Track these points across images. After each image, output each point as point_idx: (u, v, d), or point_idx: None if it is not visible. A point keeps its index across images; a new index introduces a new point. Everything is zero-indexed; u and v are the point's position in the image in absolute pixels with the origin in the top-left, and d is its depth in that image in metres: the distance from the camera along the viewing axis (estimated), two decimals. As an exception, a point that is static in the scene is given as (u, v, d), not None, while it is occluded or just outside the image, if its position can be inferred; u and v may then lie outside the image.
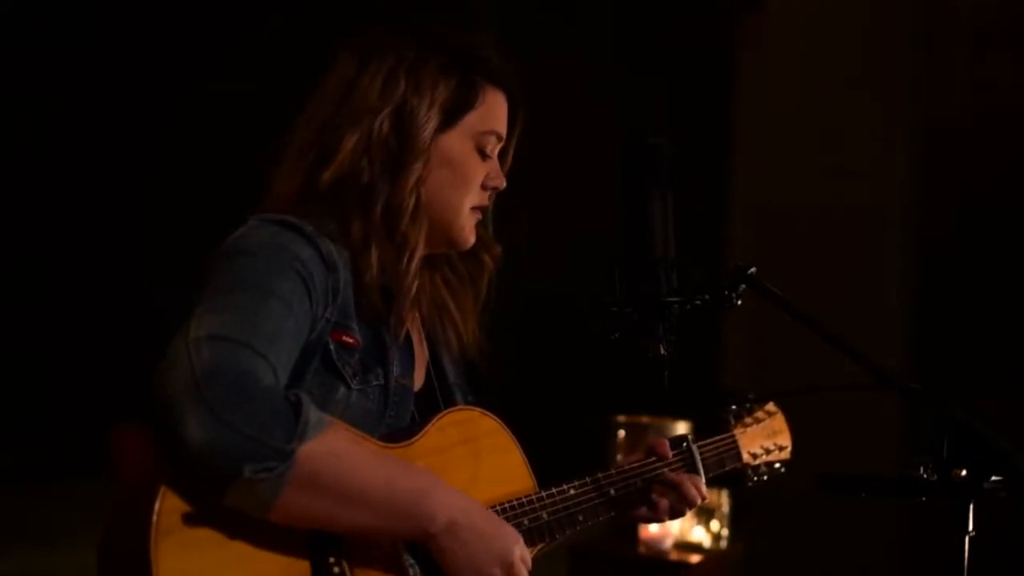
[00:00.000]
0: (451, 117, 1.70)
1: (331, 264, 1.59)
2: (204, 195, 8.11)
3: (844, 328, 1.57)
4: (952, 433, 1.46)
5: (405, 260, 1.66)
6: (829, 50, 4.94)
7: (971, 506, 1.45)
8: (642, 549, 3.84)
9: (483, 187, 1.75)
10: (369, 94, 1.67)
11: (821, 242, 4.84)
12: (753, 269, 1.68)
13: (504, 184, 1.78)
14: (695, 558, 3.84)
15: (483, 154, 1.73)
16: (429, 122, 1.67)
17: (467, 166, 1.72)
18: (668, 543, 3.85)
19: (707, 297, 1.69)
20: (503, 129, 1.76)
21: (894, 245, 4.85)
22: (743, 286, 1.68)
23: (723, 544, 3.94)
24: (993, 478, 1.44)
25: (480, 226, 1.81)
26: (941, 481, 1.46)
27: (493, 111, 1.74)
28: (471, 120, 1.71)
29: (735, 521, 4.00)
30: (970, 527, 1.45)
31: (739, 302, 1.69)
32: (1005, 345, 4.63)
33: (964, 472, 1.45)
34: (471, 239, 1.76)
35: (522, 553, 1.59)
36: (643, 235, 1.63)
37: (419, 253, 1.68)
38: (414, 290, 1.68)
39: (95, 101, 8.51)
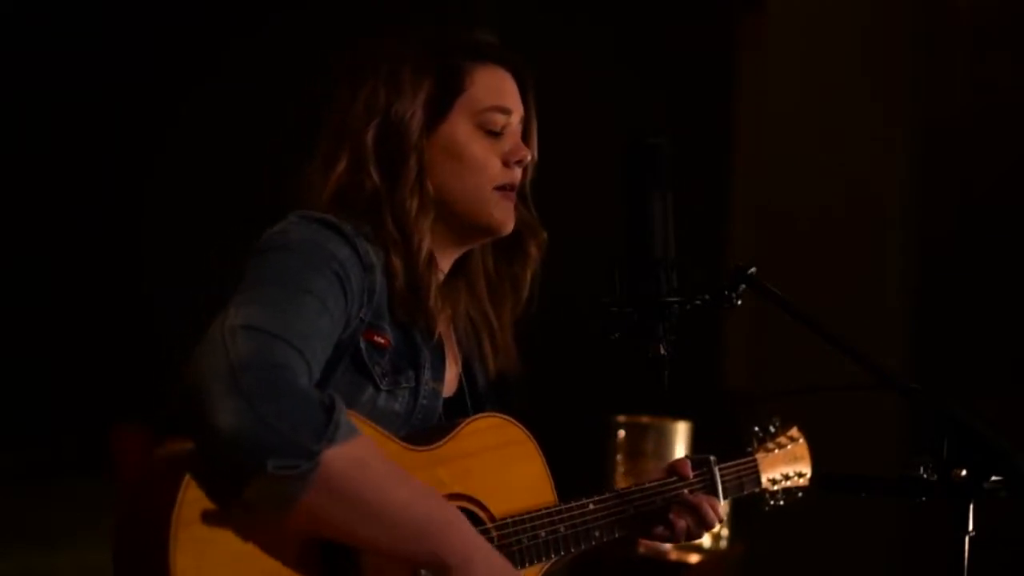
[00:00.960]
0: (439, 108, 1.70)
1: (368, 264, 1.59)
2: (204, 195, 8.11)
3: (844, 328, 1.57)
4: (952, 433, 1.46)
5: (414, 255, 1.66)
6: (829, 50, 4.93)
7: (971, 506, 1.44)
8: (642, 549, 3.84)
9: (507, 164, 1.72)
10: (356, 114, 1.69)
11: (821, 242, 4.84)
12: (753, 269, 1.68)
13: (529, 155, 1.75)
14: (695, 558, 3.84)
15: (491, 133, 1.72)
16: (414, 120, 1.68)
17: (473, 150, 1.70)
18: (668, 543, 3.85)
19: (707, 297, 1.69)
20: (508, 102, 1.74)
21: (894, 245, 4.85)
22: (743, 286, 1.68)
23: (723, 545, 3.94)
24: (993, 478, 1.44)
25: (525, 209, 1.79)
26: (941, 481, 1.46)
27: (490, 88, 1.73)
28: (465, 104, 1.71)
29: (735, 522, 4.00)
30: (970, 527, 1.45)
31: (739, 302, 1.69)
32: (1005, 345, 4.63)
33: (964, 472, 1.45)
34: (506, 222, 1.74)
35: None
36: (643, 235, 1.63)
37: (425, 245, 1.67)
38: (432, 285, 1.67)
39: (95, 101, 8.50)
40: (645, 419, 3.91)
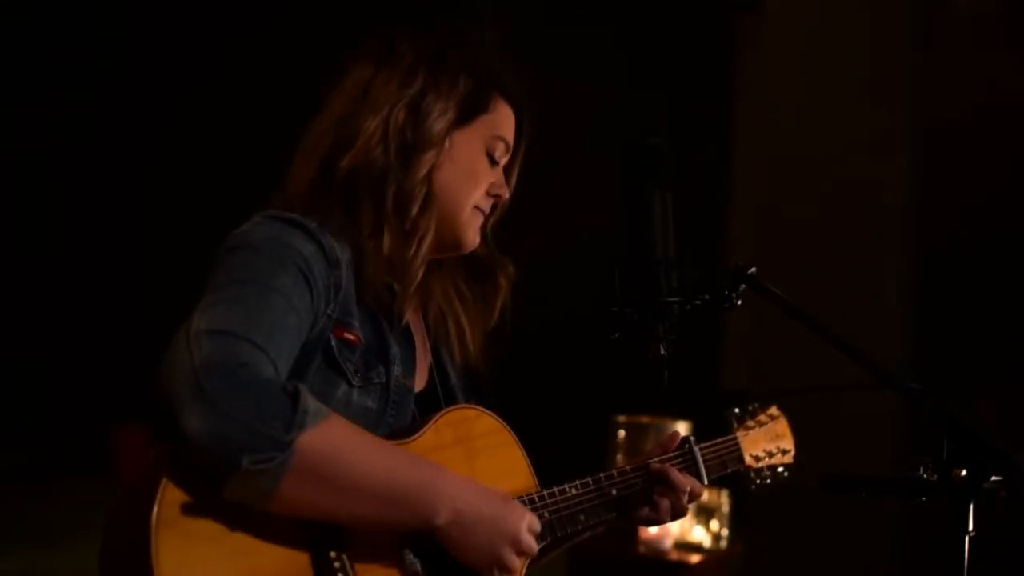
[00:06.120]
0: (466, 115, 1.72)
1: (333, 261, 1.59)
2: (204, 195, 8.11)
3: (844, 328, 1.57)
4: (952, 433, 1.46)
5: (414, 247, 1.67)
6: (829, 50, 4.93)
7: (971, 506, 1.44)
8: (642, 549, 3.85)
9: (487, 193, 1.76)
10: (388, 87, 1.70)
11: (821, 242, 4.84)
12: (753, 269, 1.68)
13: (507, 195, 1.80)
14: (695, 558, 3.84)
15: (492, 159, 1.76)
16: (445, 114, 1.70)
17: (476, 165, 1.74)
18: (668, 543, 3.86)
19: (707, 297, 1.69)
20: (511, 139, 1.79)
21: (894, 245, 4.85)
22: (743, 286, 1.68)
23: (723, 544, 3.94)
24: (993, 478, 1.44)
25: (486, 245, 1.82)
26: (941, 481, 1.46)
27: (503, 120, 1.77)
28: (484, 123, 1.74)
29: (735, 521, 4.01)
30: (970, 527, 1.45)
31: (739, 302, 1.69)
32: (1005, 344, 4.63)
33: (964, 472, 1.45)
34: (474, 239, 1.77)
35: (530, 524, 1.60)
36: (643, 235, 1.62)
37: (428, 242, 1.68)
38: (418, 278, 1.69)
39: (95, 101, 8.51)
40: (645, 419, 3.92)
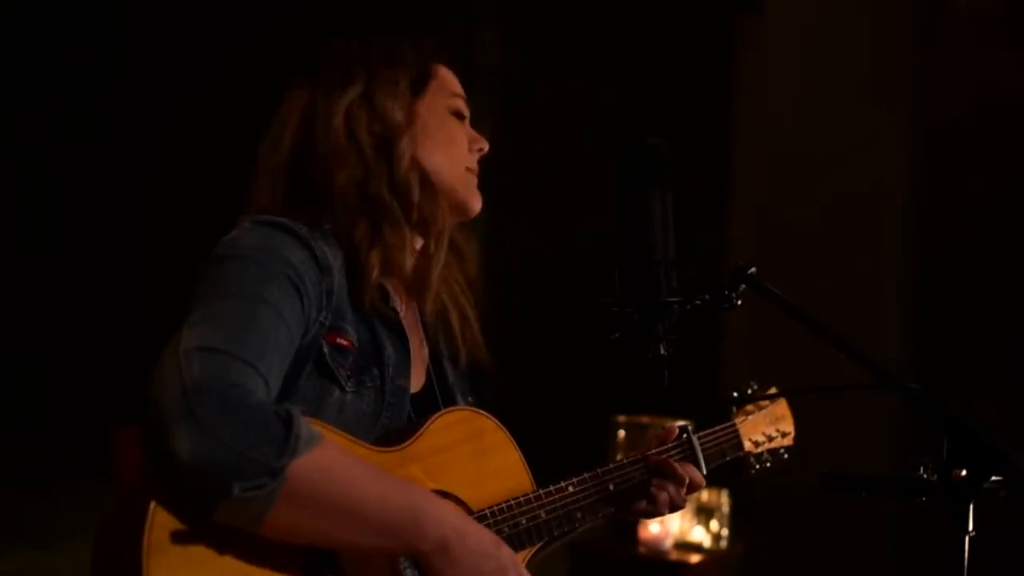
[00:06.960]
0: (417, 87, 1.73)
1: (324, 267, 1.57)
2: (203, 195, 8.11)
3: (844, 328, 1.57)
4: (952, 433, 1.46)
5: (433, 244, 1.67)
6: (829, 50, 4.93)
7: (971, 506, 1.44)
8: (642, 549, 3.85)
9: (469, 150, 1.77)
10: (332, 95, 1.69)
11: (821, 242, 4.84)
12: (753, 269, 1.68)
13: (487, 147, 1.80)
14: (695, 558, 3.84)
15: (459, 115, 1.77)
16: (399, 96, 1.70)
17: (449, 128, 1.75)
18: (668, 543, 3.86)
19: (707, 297, 1.69)
20: (463, 93, 1.79)
21: (894, 245, 4.85)
22: (743, 286, 1.68)
23: (723, 544, 3.94)
24: (993, 478, 1.43)
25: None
26: (941, 481, 1.46)
27: (449, 78, 1.78)
28: (437, 88, 1.75)
29: (735, 521, 4.01)
30: (970, 527, 1.44)
31: (739, 302, 1.69)
32: (1005, 344, 4.63)
33: (964, 472, 1.45)
34: (476, 202, 1.77)
35: (517, 573, 1.58)
36: (643, 235, 1.62)
37: (447, 233, 1.69)
38: (440, 263, 1.69)
39: (95, 101, 8.51)
40: (645, 419, 3.92)
